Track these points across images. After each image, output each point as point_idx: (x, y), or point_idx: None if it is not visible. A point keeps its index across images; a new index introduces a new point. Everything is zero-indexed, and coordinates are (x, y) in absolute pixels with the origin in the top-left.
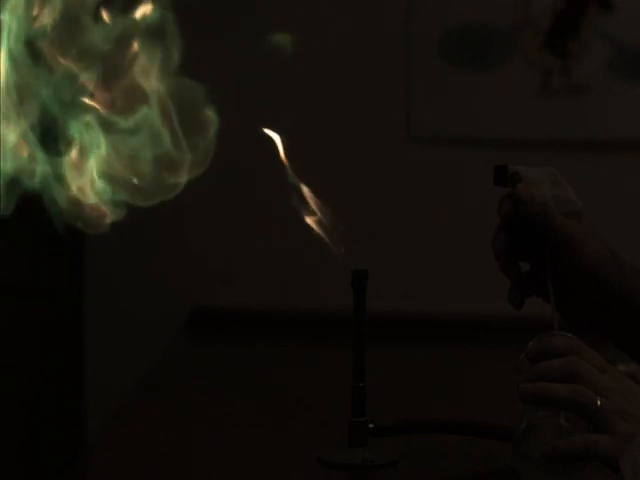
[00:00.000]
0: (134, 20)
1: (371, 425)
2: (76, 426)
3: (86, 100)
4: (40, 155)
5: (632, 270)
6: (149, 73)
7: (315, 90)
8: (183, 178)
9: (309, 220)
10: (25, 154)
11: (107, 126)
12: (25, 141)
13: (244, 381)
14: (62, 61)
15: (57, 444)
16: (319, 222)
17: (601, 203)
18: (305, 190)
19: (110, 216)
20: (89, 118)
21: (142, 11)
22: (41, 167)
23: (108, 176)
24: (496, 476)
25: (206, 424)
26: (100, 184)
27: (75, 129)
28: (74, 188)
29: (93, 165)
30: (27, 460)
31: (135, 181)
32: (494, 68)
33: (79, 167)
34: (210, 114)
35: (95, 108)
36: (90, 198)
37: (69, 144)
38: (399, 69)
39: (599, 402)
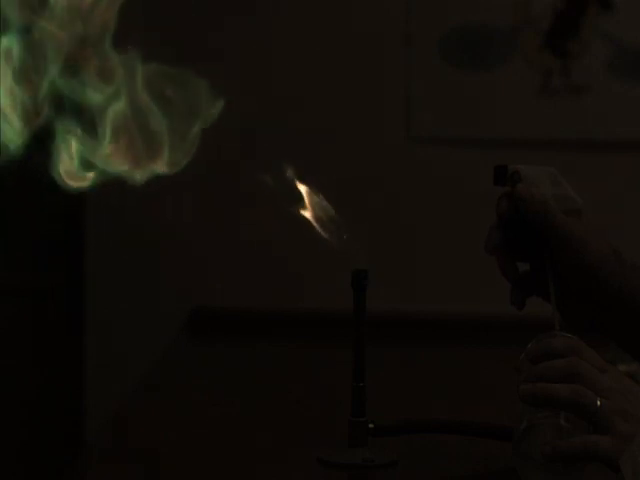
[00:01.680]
0: None
1: (371, 425)
2: (76, 426)
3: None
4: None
5: (632, 269)
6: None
7: (315, 90)
8: (161, 165)
9: (307, 214)
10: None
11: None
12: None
13: (244, 381)
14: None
15: (57, 444)
16: (316, 217)
17: (601, 203)
18: (301, 186)
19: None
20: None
21: None
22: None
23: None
24: (496, 476)
25: (206, 424)
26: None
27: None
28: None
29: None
30: (27, 460)
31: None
32: (494, 68)
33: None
34: (208, 113)
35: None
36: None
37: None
38: (399, 69)
39: (599, 402)
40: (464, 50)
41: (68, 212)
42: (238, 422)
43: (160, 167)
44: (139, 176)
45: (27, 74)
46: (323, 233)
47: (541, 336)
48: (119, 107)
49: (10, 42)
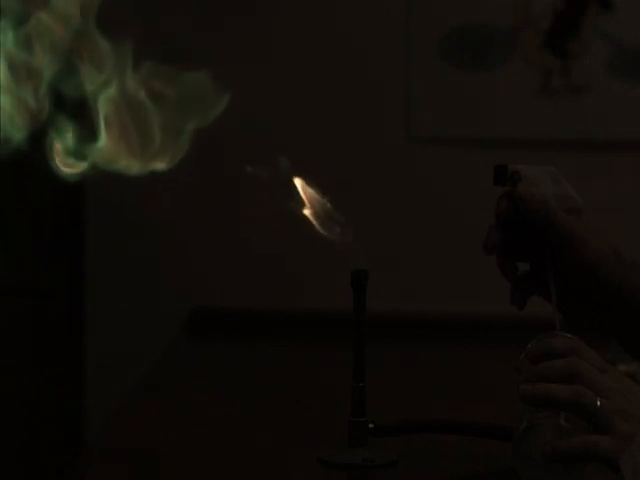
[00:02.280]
0: None
1: (371, 425)
2: (76, 426)
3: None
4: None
5: (632, 267)
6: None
7: (315, 90)
8: (155, 160)
9: (306, 212)
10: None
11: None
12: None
13: (244, 381)
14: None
15: (57, 444)
16: (315, 214)
17: (601, 203)
18: (299, 183)
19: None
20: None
21: None
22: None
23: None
24: (496, 476)
25: (206, 424)
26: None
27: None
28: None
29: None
30: (27, 460)
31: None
32: (494, 68)
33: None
34: (208, 111)
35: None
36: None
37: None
38: (399, 69)
39: (599, 402)
40: (464, 50)
41: (68, 212)
42: (238, 422)
43: (153, 162)
44: (134, 170)
45: (24, 67)
46: (321, 230)
47: (541, 336)
48: (112, 100)
49: (7, 34)
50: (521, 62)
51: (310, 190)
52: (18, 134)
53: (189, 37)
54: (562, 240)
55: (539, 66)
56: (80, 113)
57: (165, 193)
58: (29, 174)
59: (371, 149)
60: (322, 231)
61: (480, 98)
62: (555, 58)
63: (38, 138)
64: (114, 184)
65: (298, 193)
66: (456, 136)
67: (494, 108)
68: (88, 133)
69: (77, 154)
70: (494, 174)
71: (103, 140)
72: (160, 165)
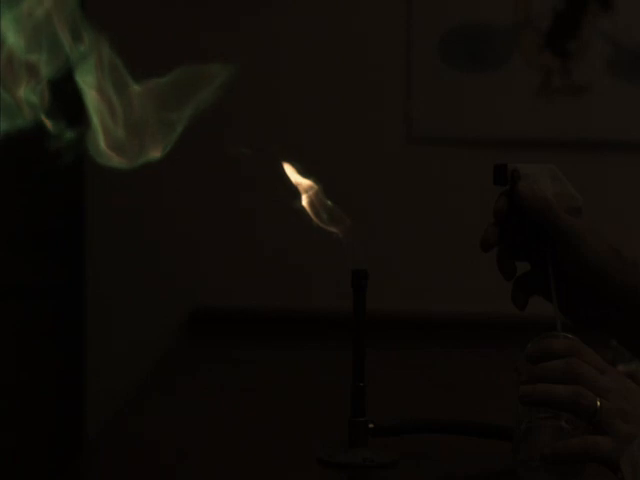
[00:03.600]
0: None
1: (371, 425)
2: (76, 426)
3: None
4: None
5: (633, 266)
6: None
7: (315, 90)
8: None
9: (304, 204)
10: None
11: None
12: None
13: (244, 381)
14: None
15: (57, 444)
16: (308, 202)
17: (601, 203)
18: (288, 169)
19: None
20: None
21: None
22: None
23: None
24: (496, 476)
25: (206, 424)
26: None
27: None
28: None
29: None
30: (27, 460)
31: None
32: (494, 68)
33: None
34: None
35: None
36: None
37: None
38: (399, 69)
39: (599, 403)
40: (464, 50)
41: (68, 212)
42: (238, 422)
43: (146, 152)
44: (127, 159)
45: (22, 59)
46: (317, 220)
47: (541, 336)
48: (102, 93)
49: (5, 26)
50: (521, 62)
51: (299, 177)
52: (17, 126)
53: (189, 37)
54: (563, 238)
55: (539, 66)
56: (72, 99)
57: (166, 194)
58: (29, 174)
59: (371, 149)
60: (317, 221)
61: (480, 98)
62: (555, 58)
63: (36, 132)
64: (114, 184)
65: (299, 193)
66: (456, 136)
67: (494, 108)
68: (80, 119)
69: (71, 139)
70: (493, 173)
71: (93, 125)
72: (154, 155)
